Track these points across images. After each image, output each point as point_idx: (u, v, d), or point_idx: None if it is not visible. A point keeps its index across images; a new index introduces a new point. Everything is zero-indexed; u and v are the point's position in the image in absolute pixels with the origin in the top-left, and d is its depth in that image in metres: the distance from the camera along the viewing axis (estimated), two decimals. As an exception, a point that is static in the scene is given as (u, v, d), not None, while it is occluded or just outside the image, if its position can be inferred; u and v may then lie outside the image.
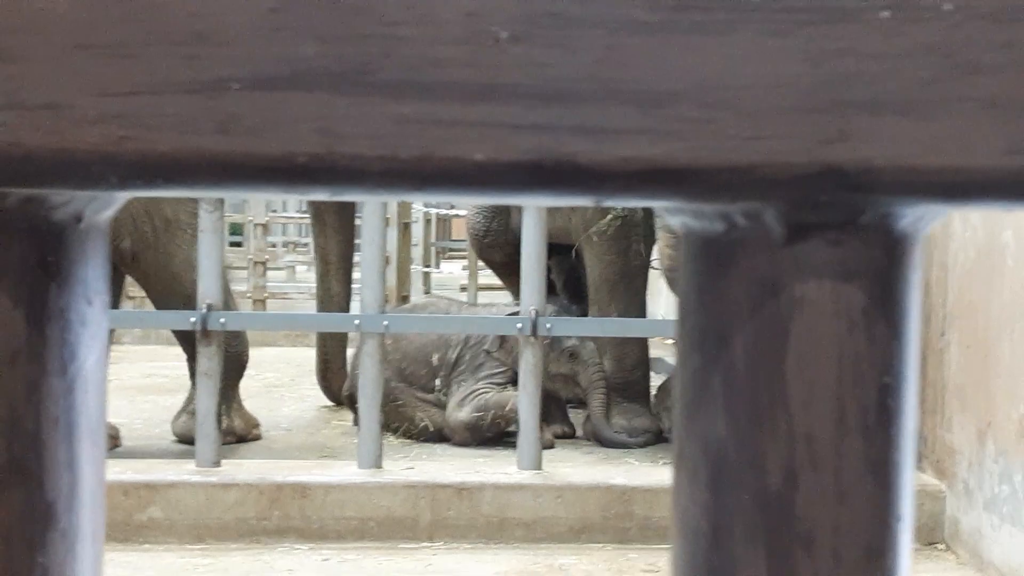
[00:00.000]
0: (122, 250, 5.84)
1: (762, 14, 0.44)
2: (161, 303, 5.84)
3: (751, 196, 0.46)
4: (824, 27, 0.44)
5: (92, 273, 0.49)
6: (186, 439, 6.04)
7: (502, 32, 0.45)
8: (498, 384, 6.49)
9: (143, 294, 7.02)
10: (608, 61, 0.45)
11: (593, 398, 6.55)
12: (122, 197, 0.49)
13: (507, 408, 6.30)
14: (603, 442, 6.48)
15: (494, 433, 6.45)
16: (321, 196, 0.47)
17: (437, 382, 6.67)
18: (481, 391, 6.49)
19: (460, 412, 6.52)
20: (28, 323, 0.47)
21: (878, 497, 0.46)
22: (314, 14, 0.45)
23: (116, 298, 6.59)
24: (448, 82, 0.45)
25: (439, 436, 6.58)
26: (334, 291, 7.57)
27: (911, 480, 0.48)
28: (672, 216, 0.49)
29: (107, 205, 0.49)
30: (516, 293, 8.01)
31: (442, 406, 6.64)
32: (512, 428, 6.09)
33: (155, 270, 5.91)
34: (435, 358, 6.68)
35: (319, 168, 0.45)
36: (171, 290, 5.81)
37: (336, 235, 7.52)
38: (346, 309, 7.50)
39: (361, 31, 0.45)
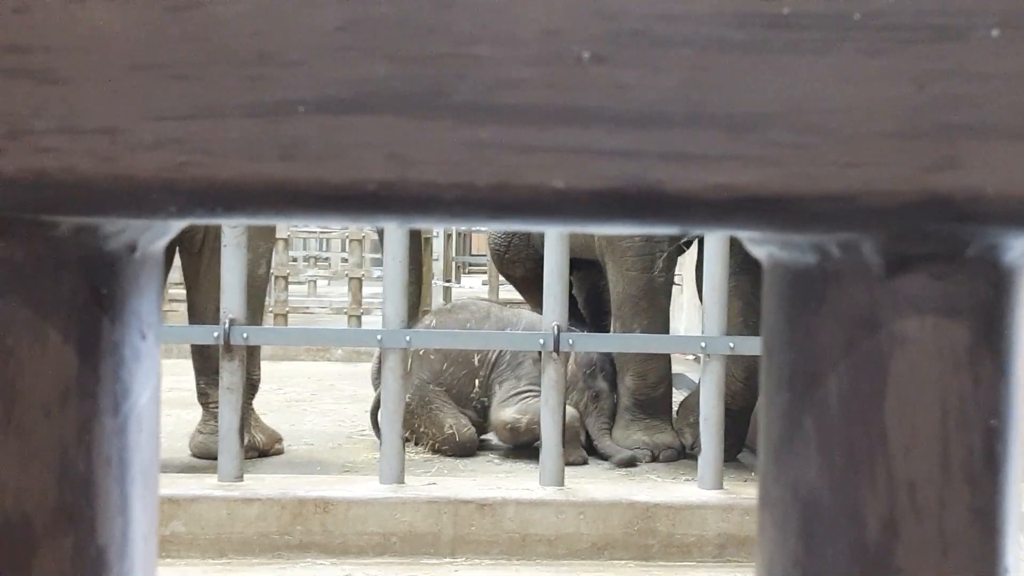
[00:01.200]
0: (194, 237, 5.85)
1: (862, 32, 0.42)
2: (206, 301, 5.78)
3: (848, 227, 0.43)
4: (929, 46, 0.41)
5: (146, 305, 0.47)
6: (204, 456, 6.03)
7: (583, 51, 0.42)
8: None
9: (168, 308, 7.01)
10: (696, 82, 0.42)
11: (597, 422, 6.55)
12: (179, 225, 0.47)
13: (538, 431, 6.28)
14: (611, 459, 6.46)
15: (529, 439, 6.44)
16: (390, 224, 0.44)
17: (476, 383, 6.65)
18: (527, 393, 6.48)
19: (504, 410, 6.51)
20: (80, 359, 0.44)
21: (984, 548, 0.43)
22: (384, 33, 0.42)
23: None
24: (526, 105, 0.42)
25: (462, 449, 6.55)
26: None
27: (1018, 530, 0.45)
28: (756, 246, 0.46)
29: (162, 234, 0.47)
30: (536, 309, 7.97)
31: (478, 411, 6.63)
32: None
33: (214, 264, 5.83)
34: (476, 358, 6.66)
35: (389, 196, 0.42)
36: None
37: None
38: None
39: (434, 51, 0.42)
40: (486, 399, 6.66)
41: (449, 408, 6.61)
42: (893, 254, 0.43)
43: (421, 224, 0.44)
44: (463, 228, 13.30)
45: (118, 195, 0.43)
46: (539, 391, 6.21)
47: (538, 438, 6.38)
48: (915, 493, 0.43)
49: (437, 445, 6.55)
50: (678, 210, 0.43)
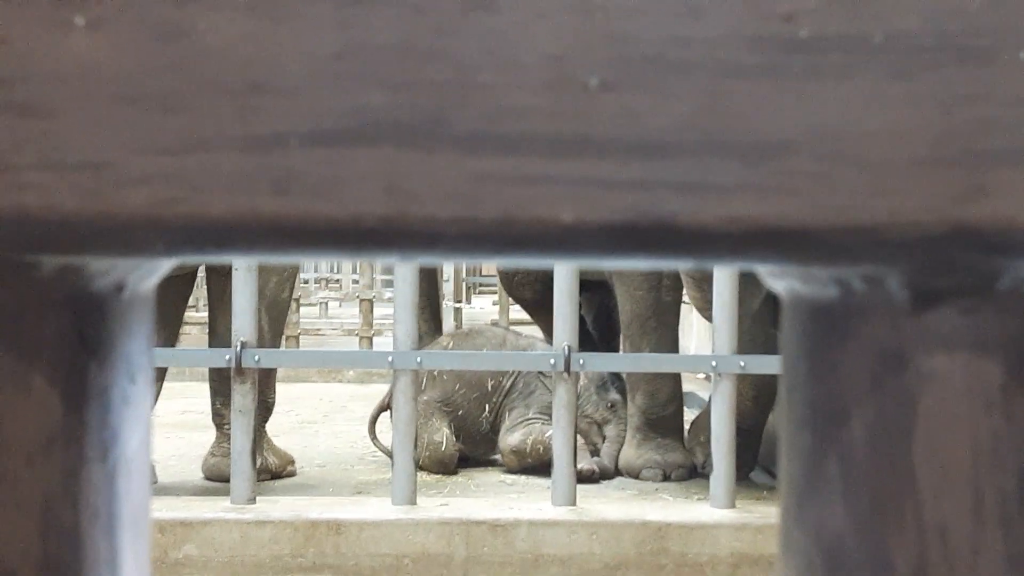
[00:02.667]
0: None
1: (885, 56, 0.39)
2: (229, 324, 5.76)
3: (873, 259, 0.40)
4: (955, 69, 0.39)
5: (136, 347, 0.45)
6: (217, 478, 6.02)
7: (591, 78, 0.40)
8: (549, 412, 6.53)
9: (182, 331, 7.03)
10: (710, 109, 0.40)
11: (616, 430, 6.60)
12: (169, 264, 0.44)
13: (547, 435, 6.30)
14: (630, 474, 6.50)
15: (536, 461, 6.44)
16: (390, 260, 0.42)
17: (487, 407, 6.67)
18: (532, 419, 6.51)
19: (510, 437, 6.54)
20: (65, 405, 0.42)
21: (1020, 598, 0.41)
22: (382, 60, 0.40)
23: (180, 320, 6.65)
24: (532, 134, 0.40)
25: (439, 465, 6.55)
26: (422, 329, 7.57)
27: (1056, 577, 0.42)
28: (775, 279, 0.44)
29: (152, 272, 0.45)
30: (546, 330, 7.95)
31: (484, 434, 6.64)
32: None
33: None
34: (490, 384, 6.68)
35: (388, 231, 0.40)
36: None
37: (418, 273, 7.53)
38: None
39: (434, 78, 0.40)
40: (496, 424, 6.68)
41: (438, 424, 6.63)
42: (920, 288, 0.41)
43: (423, 260, 0.42)
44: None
45: (104, 233, 0.40)
46: (546, 418, 6.22)
47: (544, 461, 6.40)
48: (946, 539, 0.41)
49: (417, 458, 6.56)
50: (693, 244, 0.41)
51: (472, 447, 6.72)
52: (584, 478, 6.13)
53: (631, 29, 0.40)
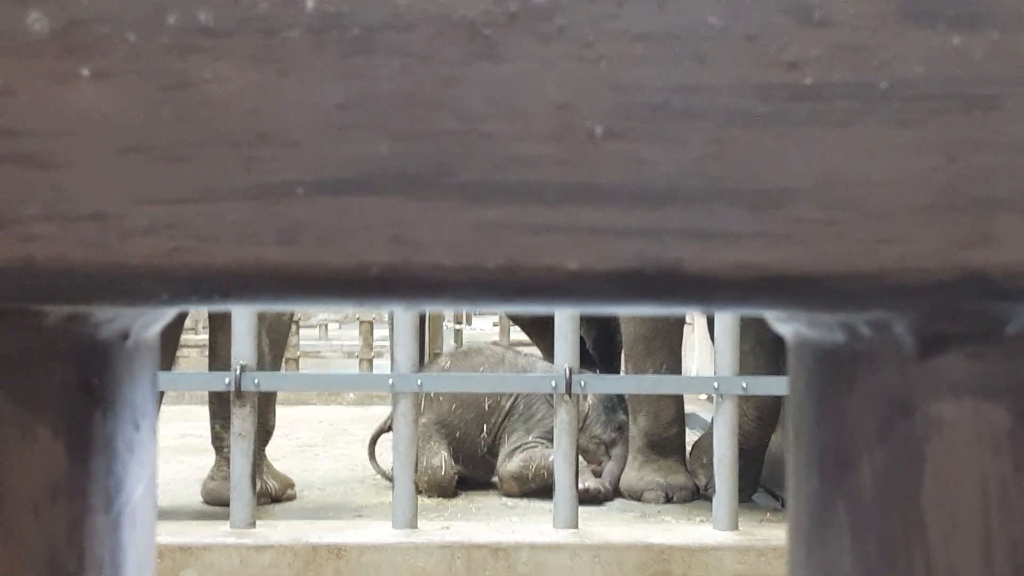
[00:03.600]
0: None
1: (890, 103, 0.39)
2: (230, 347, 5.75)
3: (879, 305, 0.40)
4: (961, 116, 0.39)
5: (140, 395, 0.45)
6: (216, 503, 6.00)
7: (597, 127, 0.40)
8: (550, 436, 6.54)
9: (181, 354, 7.03)
10: (716, 157, 0.40)
11: (623, 451, 6.61)
12: (174, 311, 0.44)
13: (549, 460, 6.30)
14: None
15: (539, 485, 6.43)
16: (396, 308, 0.42)
17: (484, 428, 6.65)
18: (531, 443, 6.50)
19: (508, 463, 6.52)
20: (70, 454, 0.42)
21: (1031, 645, 0.41)
22: (386, 110, 0.40)
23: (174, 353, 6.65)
24: (537, 183, 0.40)
25: (437, 489, 6.53)
26: None
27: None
28: (781, 324, 0.44)
29: (156, 320, 0.45)
30: (545, 350, 7.95)
31: (482, 455, 6.63)
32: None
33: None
34: (487, 403, 6.67)
35: (394, 280, 0.40)
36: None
37: None
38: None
39: (439, 127, 0.40)
40: (495, 446, 6.67)
41: (436, 447, 6.62)
42: (927, 333, 0.41)
43: (429, 307, 0.42)
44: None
45: (109, 283, 0.40)
46: (545, 442, 6.22)
47: (547, 485, 6.41)
48: (956, 587, 0.41)
49: (417, 482, 6.56)
50: (699, 290, 0.41)
51: (471, 469, 6.70)
52: (591, 497, 6.13)
53: (636, 77, 0.40)
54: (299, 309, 0.44)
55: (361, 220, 0.40)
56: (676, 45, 0.40)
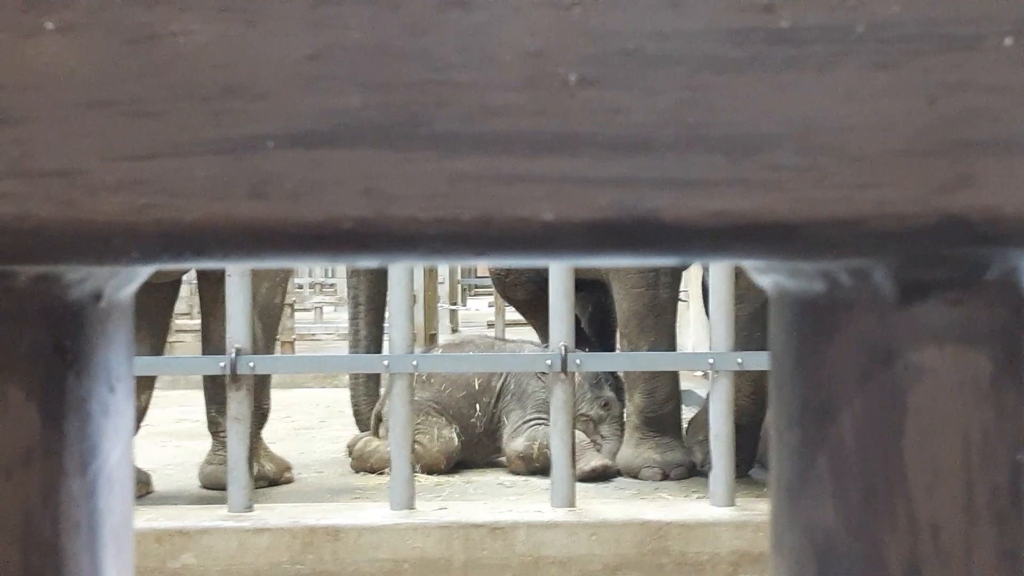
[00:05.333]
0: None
1: (867, 45, 0.39)
2: (224, 330, 5.74)
3: (858, 252, 0.40)
4: (939, 57, 0.39)
5: (115, 356, 0.44)
6: (214, 486, 6.01)
7: (570, 74, 0.39)
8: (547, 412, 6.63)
9: (175, 339, 7.03)
10: (691, 104, 0.39)
11: (611, 428, 6.68)
12: (147, 271, 0.44)
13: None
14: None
15: (543, 464, 6.48)
16: (370, 263, 0.41)
17: (477, 407, 6.71)
18: (533, 421, 6.56)
19: (514, 442, 6.58)
20: (43, 417, 0.41)
21: (1016, 593, 0.40)
22: (357, 60, 0.39)
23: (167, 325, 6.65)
24: (511, 132, 0.39)
25: (441, 461, 6.58)
26: (362, 333, 7.57)
27: (1051, 571, 0.42)
28: (761, 275, 0.44)
29: (129, 280, 0.44)
30: (540, 330, 7.96)
31: (476, 433, 6.69)
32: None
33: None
34: (477, 383, 6.72)
35: (367, 234, 0.40)
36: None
37: (366, 276, 7.52)
38: (375, 350, 7.52)
39: (411, 78, 0.39)
40: (490, 425, 6.72)
41: (441, 420, 6.67)
42: (907, 280, 0.40)
43: (402, 262, 0.41)
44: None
45: (78, 241, 0.40)
46: (546, 418, 6.25)
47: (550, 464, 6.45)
48: (938, 535, 0.40)
49: (430, 453, 6.61)
50: (676, 240, 0.40)
51: (467, 451, 6.73)
52: (598, 475, 6.17)
53: (609, 24, 0.39)
54: (272, 265, 0.43)
55: (333, 173, 0.39)
56: (650, -9, 0.39)
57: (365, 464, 6.68)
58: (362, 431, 7.18)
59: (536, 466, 6.53)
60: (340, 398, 7.85)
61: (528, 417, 6.62)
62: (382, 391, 7.08)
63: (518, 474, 6.57)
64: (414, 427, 6.37)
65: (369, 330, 7.59)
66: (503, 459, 6.71)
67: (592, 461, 6.19)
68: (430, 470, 6.56)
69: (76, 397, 0.42)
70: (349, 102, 0.39)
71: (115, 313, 0.44)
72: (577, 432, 6.06)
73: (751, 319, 6.01)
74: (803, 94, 0.39)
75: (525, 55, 0.39)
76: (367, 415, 7.20)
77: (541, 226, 0.40)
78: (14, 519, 0.41)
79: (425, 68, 0.39)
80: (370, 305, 7.59)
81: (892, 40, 0.39)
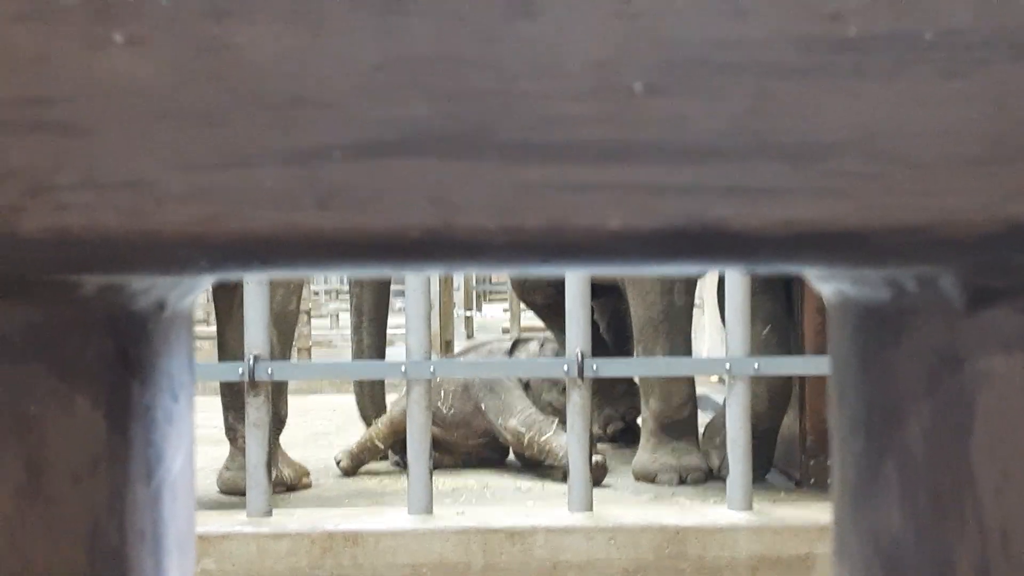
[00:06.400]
0: None
1: (935, 53, 0.39)
2: (241, 337, 5.75)
3: (926, 259, 0.40)
4: (1008, 66, 0.39)
5: (177, 365, 0.44)
6: (232, 492, 6.02)
7: (637, 83, 0.39)
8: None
9: (197, 345, 7.05)
10: (758, 112, 0.39)
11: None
12: (210, 280, 0.44)
13: (542, 439, 6.51)
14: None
15: (529, 456, 6.60)
16: (436, 271, 0.41)
17: (441, 394, 6.88)
18: (530, 410, 6.67)
19: (511, 419, 6.68)
20: (109, 425, 0.42)
21: (1086, 601, 0.40)
22: (424, 70, 0.39)
23: None
24: (577, 141, 0.39)
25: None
26: (365, 343, 7.59)
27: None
28: (823, 282, 0.44)
29: (192, 289, 0.44)
30: (559, 334, 7.97)
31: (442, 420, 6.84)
32: (547, 461, 6.40)
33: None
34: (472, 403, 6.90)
35: (434, 243, 0.40)
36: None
37: (369, 287, 7.53)
38: (378, 359, 7.58)
39: (477, 87, 0.39)
40: (464, 410, 6.77)
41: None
42: (975, 287, 0.40)
43: (468, 270, 0.42)
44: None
45: (146, 251, 0.40)
46: (528, 403, 6.42)
47: (538, 461, 6.56)
48: (1008, 541, 0.40)
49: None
50: (743, 248, 0.40)
51: (444, 430, 6.84)
52: (601, 474, 6.23)
53: (676, 32, 0.39)
54: (339, 274, 0.43)
55: (400, 182, 0.40)
56: (715, -1, 0.39)
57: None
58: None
59: (527, 454, 6.65)
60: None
61: (512, 400, 6.76)
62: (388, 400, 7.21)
63: (512, 448, 6.67)
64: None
65: (372, 340, 7.61)
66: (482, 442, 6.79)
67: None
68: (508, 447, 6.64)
69: (141, 405, 0.43)
70: (416, 112, 0.39)
71: (177, 322, 0.44)
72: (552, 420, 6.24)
73: (769, 325, 6.00)
74: (870, 101, 0.39)
75: (591, 64, 0.39)
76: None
77: (608, 234, 0.40)
78: (82, 525, 0.41)
79: (491, 77, 0.39)
80: (373, 315, 7.62)
81: (961, 48, 0.39)
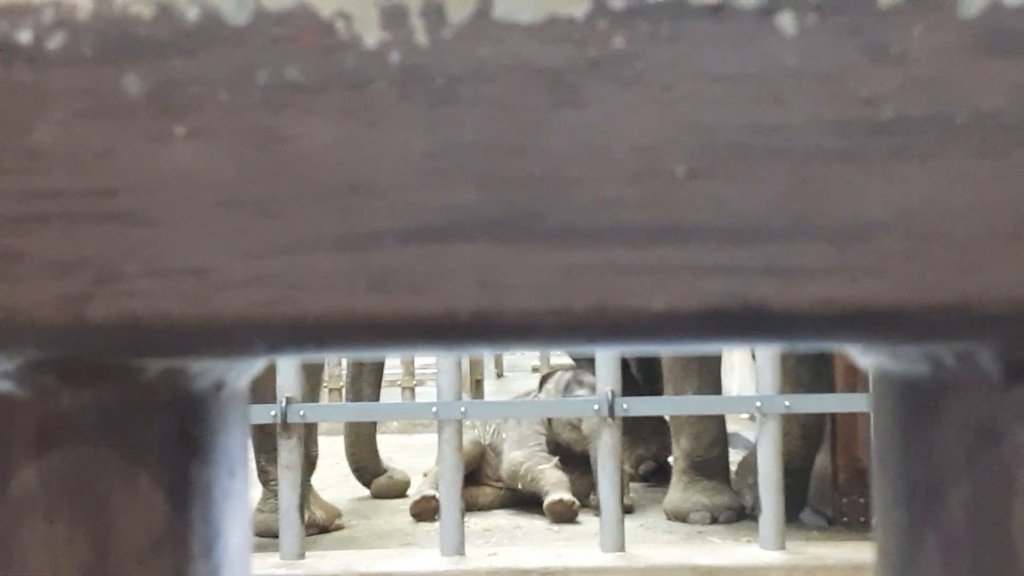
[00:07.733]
0: None
1: (970, 134, 0.40)
2: (268, 380, 5.78)
3: (964, 335, 0.41)
4: (1042, 146, 0.40)
5: (234, 442, 0.45)
6: (265, 534, 6.03)
7: (678, 167, 0.41)
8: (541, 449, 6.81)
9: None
10: (797, 194, 0.41)
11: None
12: (265, 360, 0.45)
13: (538, 468, 6.56)
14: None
15: (524, 490, 6.66)
16: (485, 351, 0.42)
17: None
18: (533, 443, 6.63)
19: (517, 450, 6.75)
20: (171, 504, 0.43)
21: None
22: (473, 157, 0.41)
23: None
24: (622, 225, 0.41)
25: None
26: (364, 393, 7.60)
27: None
28: (863, 356, 0.45)
29: (248, 369, 0.46)
30: (589, 370, 7.96)
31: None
32: (531, 489, 6.51)
33: None
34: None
35: (484, 325, 0.41)
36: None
37: None
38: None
39: (524, 174, 0.41)
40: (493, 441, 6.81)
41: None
42: (1013, 361, 0.41)
43: (516, 349, 0.43)
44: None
45: (208, 336, 0.41)
46: (538, 450, 6.43)
47: (533, 496, 6.60)
48: (1051, 614, 0.41)
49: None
50: (783, 327, 0.41)
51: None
52: (564, 510, 6.32)
53: (716, 118, 0.41)
54: (391, 355, 0.45)
55: (450, 266, 0.41)
56: (753, 86, 0.41)
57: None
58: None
59: (516, 488, 6.72)
60: (389, 444, 7.86)
61: (524, 432, 6.79)
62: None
63: (507, 483, 6.75)
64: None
65: (371, 390, 7.63)
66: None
67: (562, 494, 6.35)
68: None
69: (200, 483, 0.44)
70: (465, 198, 0.41)
71: (234, 400, 0.46)
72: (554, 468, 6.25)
73: (798, 362, 5.98)
74: (906, 182, 0.40)
75: (635, 150, 0.41)
76: (370, 468, 7.29)
77: (651, 316, 0.41)
78: (145, 604, 0.43)
79: (538, 164, 0.41)
80: (372, 367, 7.64)
81: (995, 129, 0.40)
